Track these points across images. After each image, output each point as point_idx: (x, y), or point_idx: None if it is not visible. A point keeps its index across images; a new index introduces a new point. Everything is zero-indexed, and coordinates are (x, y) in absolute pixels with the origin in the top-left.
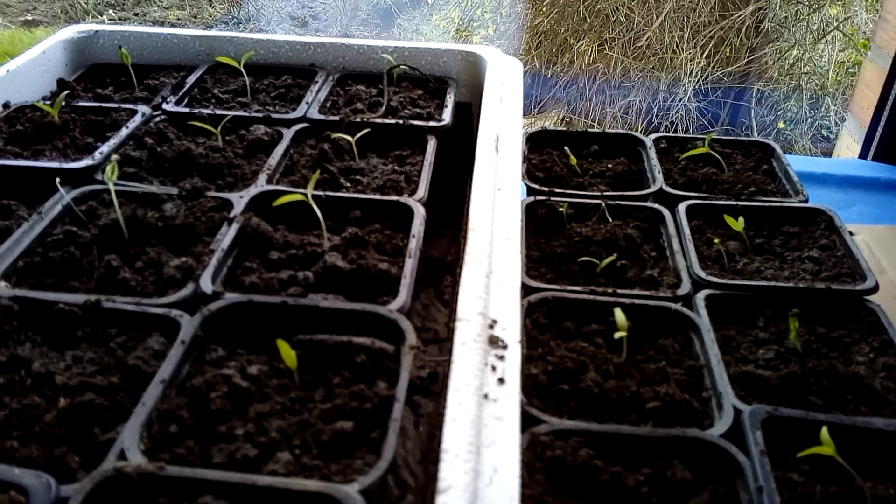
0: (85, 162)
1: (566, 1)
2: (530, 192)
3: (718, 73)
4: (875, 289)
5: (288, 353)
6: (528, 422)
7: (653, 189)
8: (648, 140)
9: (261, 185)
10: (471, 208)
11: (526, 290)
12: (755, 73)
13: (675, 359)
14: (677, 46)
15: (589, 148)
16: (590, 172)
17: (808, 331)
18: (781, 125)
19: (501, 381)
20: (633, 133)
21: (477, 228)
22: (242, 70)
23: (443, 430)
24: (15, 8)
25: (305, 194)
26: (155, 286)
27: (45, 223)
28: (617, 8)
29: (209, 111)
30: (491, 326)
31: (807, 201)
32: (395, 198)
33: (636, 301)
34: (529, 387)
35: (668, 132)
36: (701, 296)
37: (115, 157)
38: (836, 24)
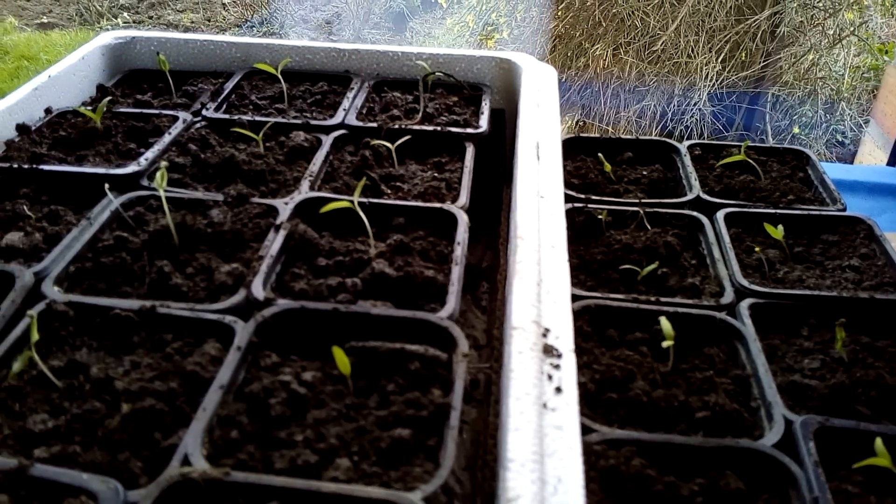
0: (131, 168)
1: (581, 5)
2: (567, 199)
3: (734, 77)
4: None
5: (342, 360)
6: None
7: (690, 196)
8: (683, 147)
9: (304, 191)
10: (516, 216)
11: None
12: (770, 77)
13: (721, 368)
14: (692, 51)
15: (623, 154)
16: (625, 179)
17: (853, 340)
18: (796, 130)
19: (558, 390)
20: (668, 140)
21: (525, 237)
22: (280, 77)
23: (505, 438)
24: (31, 11)
25: (352, 201)
26: (206, 292)
27: (94, 229)
28: (632, 12)
29: (248, 118)
30: (544, 335)
31: (844, 210)
32: (437, 205)
33: (679, 310)
34: (578, 395)
35: (683, 137)
36: (745, 305)
37: (163, 163)
38: (851, 28)
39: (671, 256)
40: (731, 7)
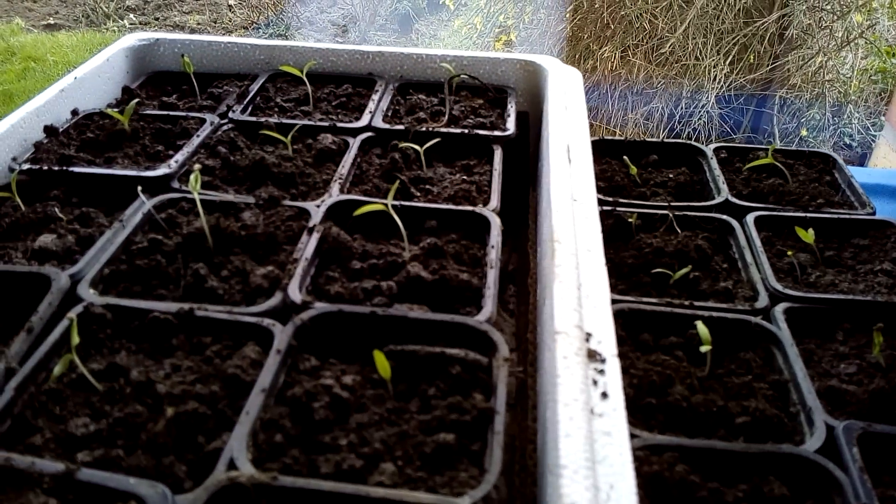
0: (162, 170)
1: (590, 7)
2: None
3: (741, 80)
4: None
5: (383, 364)
6: None
7: (719, 200)
8: (709, 150)
9: (335, 194)
10: (552, 220)
11: None
12: (778, 80)
13: (758, 373)
14: (700, 53)
15: (648, 157)
16: (650, 182)
17: (889, 345)
18: (804, 133)
19: (604, 395)
20: (693, 143)
21: (562, 240)
22: (305, 79)
23: (556, 444)
24: (37, 12)
25: (386, 204)
26: (242, 294)
27: (127, 231)
28: (640, 14)
29: (275, 120)
30: (587, 340)
31: (874, 213)
32: (469, 208)
33: (714, 314)
34: None
35: (691, 139)
36: (779, 309)
37: (197, 166)
38: (859, 31)
39: (702, 260)
40: (739, 9)
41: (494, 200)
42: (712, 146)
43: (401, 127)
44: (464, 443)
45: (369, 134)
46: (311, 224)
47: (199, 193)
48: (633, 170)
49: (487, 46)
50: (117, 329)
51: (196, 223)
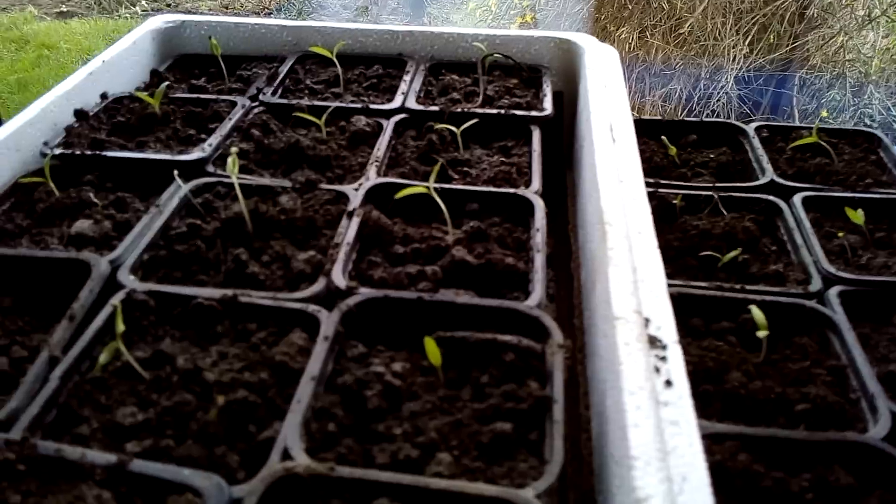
0: (196, 154)
1: None
2: None
3: (761, 60)
4: None
5: (433, 351)
6: None
7: (764, 180)
8: (750, 129)
9: (372, 177)
10: (601, 202)
11: None
12: (798, 60)
13: (815, 358)
14: (719, 33)
15: (687, 137)
16: (691, 163)
17: None
18: (825, 113)
19: (668, 383)
20: (734, 122)
21: (613, 223)
22: (335, 60)
23: (625, 435)
24: (50, 0)
25: (427, 187)
26: (284, 280)
27: (165, 216)
28: None
29: (307, 102)
30: (645, 325)
31: None
32: (512, 190)
33: (766, 298)
34: None
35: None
36: (833, 292)
37: (234, 149)
38: (882, 8)
39: (750, 242)
40: None
41: (536, 182)
42: (753, 125)
43: (435, 108)
44: (521, 432)
45: (403, 115)
46: (350, 208)
47: (240, 178)
48: (673, 150)
49: (505, 28)
50: (160, 316)
51: (234, 208)
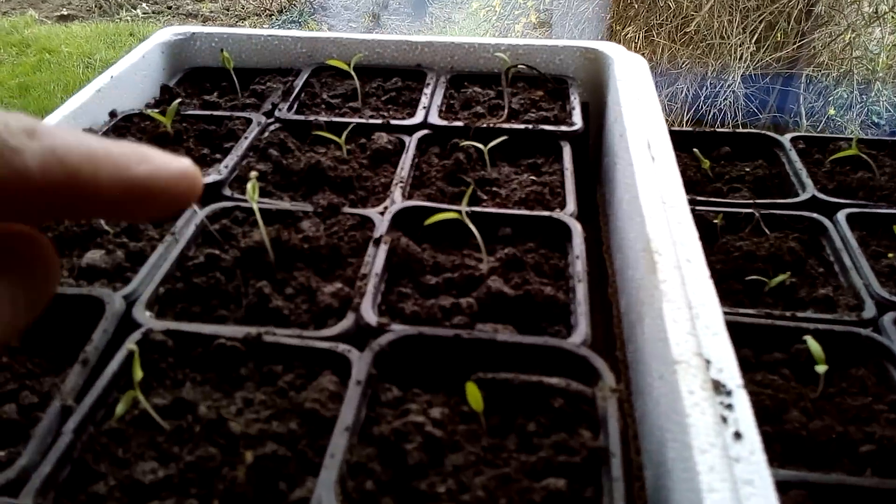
0: (213, 177)
1: None
2: None
3: (767, 58)
4: None
5: (475, 396)
6: None
7: (804, 196)
8: (786, 140)
9: (398, 199)
10: (647, 227)
11: None
12: (805, 58)
13: (875, 392)
14: (726, 32)
15: (719, 149)
16: (725, 177)
17: None
18: (832, 112)
19: (738, 435)
20: (768, 133)
21: (662, 252)
22: (353, 73)
23: (699, 500)
24: (50, 3)
25: (459, 211)
26: (310, 315)
27: (181, 245)
28: None
29: (325, 118)
30: (706, 367)
31: None
32: (546, 213)
33: (819, 326)
34: None
35: (716, 120)
36: (889, 319)
37: (254, 173)
38: (890, 4)
39: (796, 264)
40: None
41: (571, 204)
42: (788, 136)
43: (459, 123)
44: (575, 489)
45: (426, 131)
46: (376, 234)
47: (262, 202)
48: (706, 163)
49: (507, 29)
50: (180, 358)
51: (254, 235)
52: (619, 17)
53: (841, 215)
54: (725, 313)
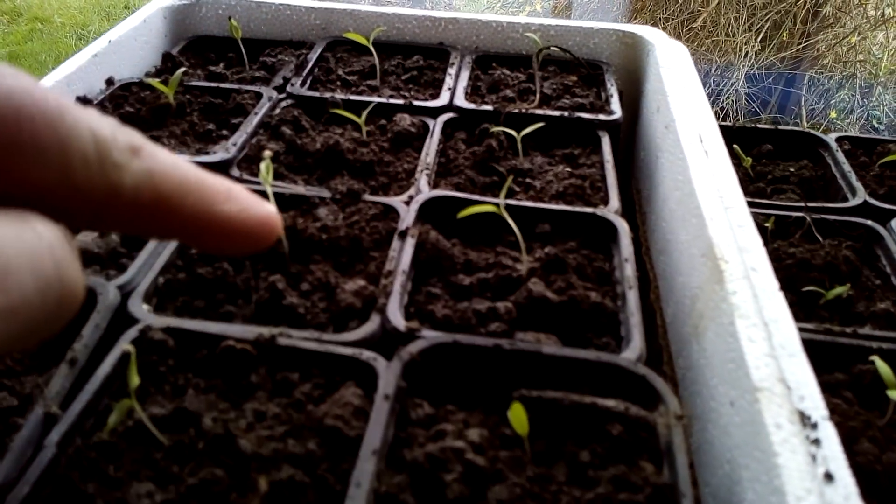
0: (220, 155)
1: None
2: None
3: (771, 58)
4: None
5: (520, 418)
6: None
7: (855, 202)
8: (831, 140)
9: (424, 188)
10: (709, 231)
11: None
12: (808, 59)
13: None
14: (732, 29)
15: (760, 147)
16: (768, 176)
17: None
18: (833, 115)
19: (829, 477)
20: (812, 132)
21: (729, 260)
22: (372, 48)
23: None
24: None
25: (497, 204)
26: (328, 315)
27: None
28: None
29: (342, 96)
30: (789, 395)
31: None
32: (590, 210)
33: (883, 345)
34: None
35: (719, 118)
36: None
37: (267, 153)
38: (895, 7)
39: (852, 274)
40: None
41: (615, 200)
42: (833, 135)
43: (488, 107)
44: None
45: (451, 115)
46: (402, 226)
47: (276, 186)
48: (747, 161)
49: (515, 13)
50: (182, 360)
51: None
52: (626, 9)
53: (895, 222)
54: None
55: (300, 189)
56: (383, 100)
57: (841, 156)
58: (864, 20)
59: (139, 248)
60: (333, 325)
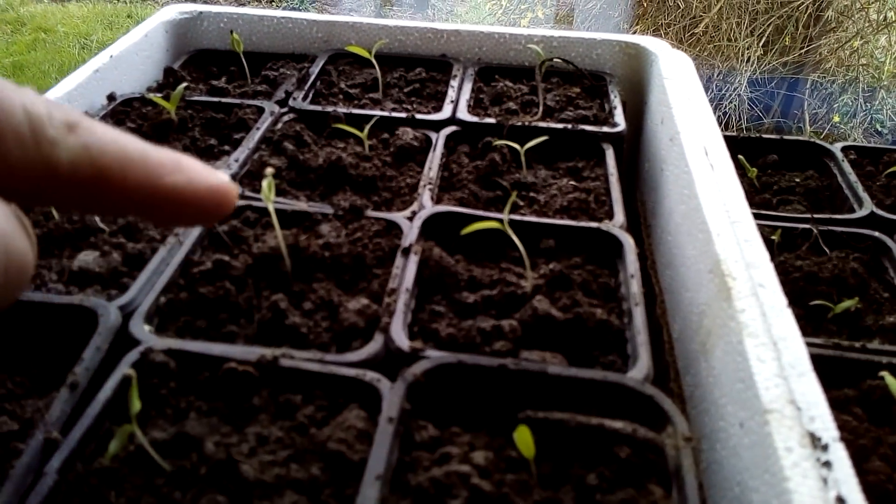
0: (221, 171)
1: None
2: None
3: (774, 62)
4: None
5: (526, 442)
6: None
7: (862, 213)
8: (837, 150)
9: (427, 203)
10: (716, 247)
11: None
12: (811, 63)
13: None
14: (734, 34)
15: (766, 157)
16: (773, 187)
17: None
18: (836, 119)
19: (841, 501)
20: (818, 141)
21: (737, 276)
22: (374, 61)
23: None
24: None
25: (501, 220)
26: (331, 335)
27: (185, 248)
28: None
29: (344, 110)
30: (799, 417)
31: None
32: (594, 224)
33: (893, 360)
34: None
35: (722, 124)
36: None
37: (269, 169)
38: None
39: (860, 287)
40: None
41: (620, 215)
42: (839, 145)
43: (491, 120)
44: None
45: (454, 128)
46: (405, 243)
47: (278, 202)
48: (752, 172)
49: (512, 24)
50: (183, 382)
51: (267, 240)
52: (628, 15)
53: None
54: None
55: (303, 206)
56: (386, 113)
57: (847, 166)
58: (867, 24)
59: (140, 267)
60: (336, 345)
